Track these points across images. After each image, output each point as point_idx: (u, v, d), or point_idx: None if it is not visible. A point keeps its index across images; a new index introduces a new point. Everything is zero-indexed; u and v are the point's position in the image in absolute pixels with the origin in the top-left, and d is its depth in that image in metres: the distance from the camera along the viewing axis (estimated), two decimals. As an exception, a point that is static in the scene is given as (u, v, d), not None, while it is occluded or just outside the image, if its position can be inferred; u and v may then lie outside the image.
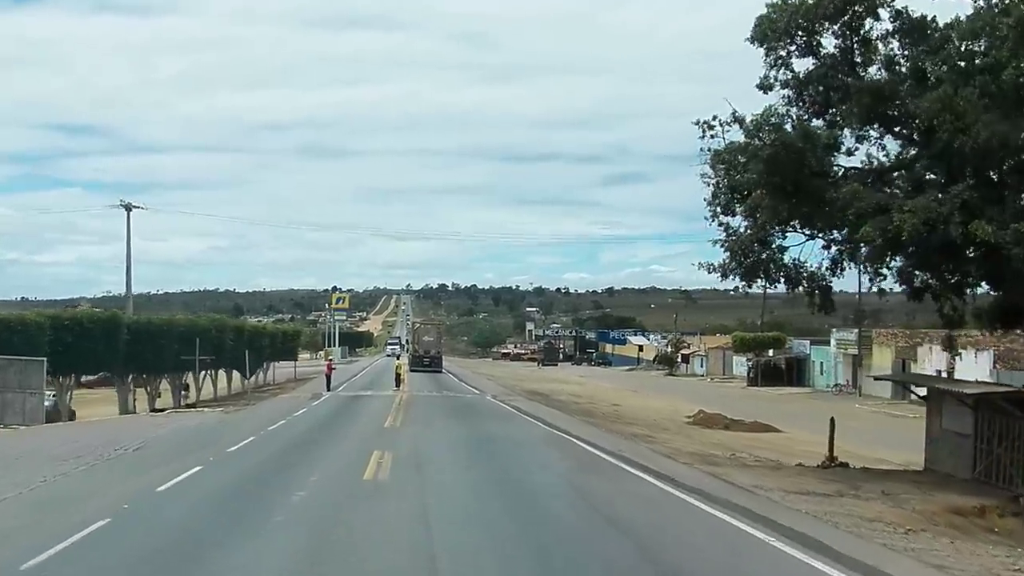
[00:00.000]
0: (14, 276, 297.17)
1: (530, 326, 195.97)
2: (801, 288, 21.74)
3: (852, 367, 63.26)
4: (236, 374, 57.66)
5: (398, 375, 46.43)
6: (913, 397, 55.03)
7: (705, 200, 22.47)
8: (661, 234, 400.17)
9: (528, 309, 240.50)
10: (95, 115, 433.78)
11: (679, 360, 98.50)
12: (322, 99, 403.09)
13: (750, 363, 74.48)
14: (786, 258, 21.77)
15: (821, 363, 69.63)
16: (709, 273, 22.03)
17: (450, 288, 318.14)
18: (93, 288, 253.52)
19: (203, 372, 47.97)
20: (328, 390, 44.42)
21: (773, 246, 21.82)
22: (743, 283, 21.86)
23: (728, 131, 21.58)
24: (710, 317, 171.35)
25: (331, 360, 49.28)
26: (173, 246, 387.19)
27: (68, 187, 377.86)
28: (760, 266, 21.58)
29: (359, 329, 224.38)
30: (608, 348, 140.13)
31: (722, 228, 22.36)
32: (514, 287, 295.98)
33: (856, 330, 62.49)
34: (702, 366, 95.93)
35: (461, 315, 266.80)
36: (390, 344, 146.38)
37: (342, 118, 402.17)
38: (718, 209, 22.42)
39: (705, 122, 21.46)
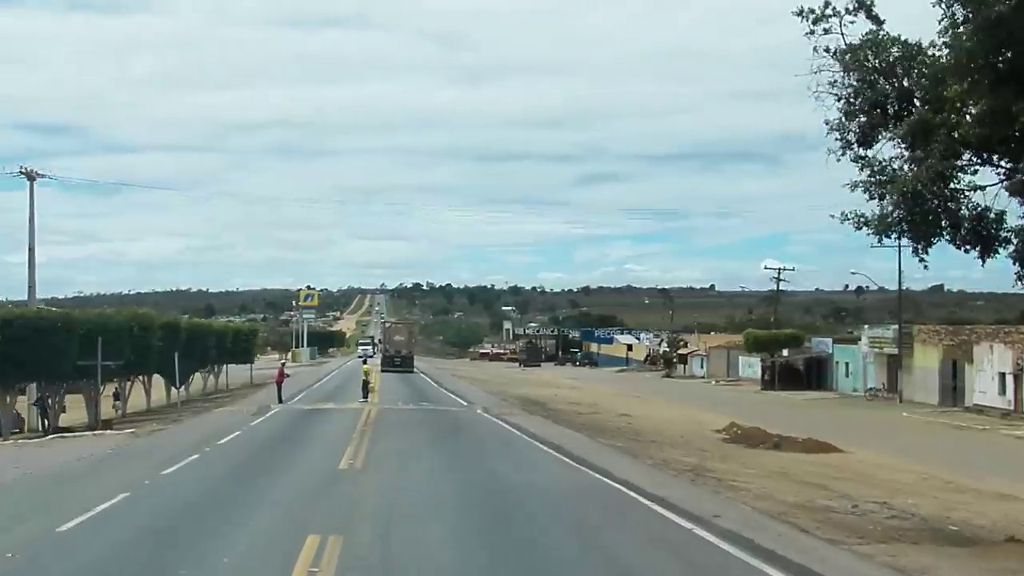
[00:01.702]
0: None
1: (507, 325, 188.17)
2: (1005, 252, 13.67)
3: (887, 368, 55.44)
4: (192, 381, 49.05)
5: (366, 383, 37.63)
6: (969, 404, 47.69)
7: (827, 124, 14.60)
8: (635, 233, 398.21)
9: (504, 308, 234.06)
10: (67, 115, 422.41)
11: (675, 360, 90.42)
12: (296, 99, 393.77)
13: (765, 364, 66.47)
14: (978, 200, 13.80)
15: (847, 364, 61.75)
16: (857, 229, 13.99)
17: (425, 287, 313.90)
18: (65, 288, 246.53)
19: (129, 380, 39.44)
20: (280, 401, 35.87)
21: (951, 187, 13.78)
22: (912, 241, 13.84)
23: (853, 22, 13.91)
24: (693, 315, 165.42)
25: (283, 364, 40.41)
26: (147, 246, 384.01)
27: (39, 187, 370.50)
28: (940, 216, 13.51)
29: (332, 329, 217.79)
30: (593, 347, 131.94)
31: (860, 164, 14.48)
32: (489, 286, 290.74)
33: (894, 326, 54.58)
34: (702, 367, 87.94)
35: (436, 314, 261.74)
36: (362, 344, 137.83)
37: (316, 118, 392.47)
38: (851, 136, 14.53)
39: (812, 11, 13.65)
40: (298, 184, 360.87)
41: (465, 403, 38.71)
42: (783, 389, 62.56)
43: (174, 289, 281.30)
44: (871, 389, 55.09)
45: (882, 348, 55.28)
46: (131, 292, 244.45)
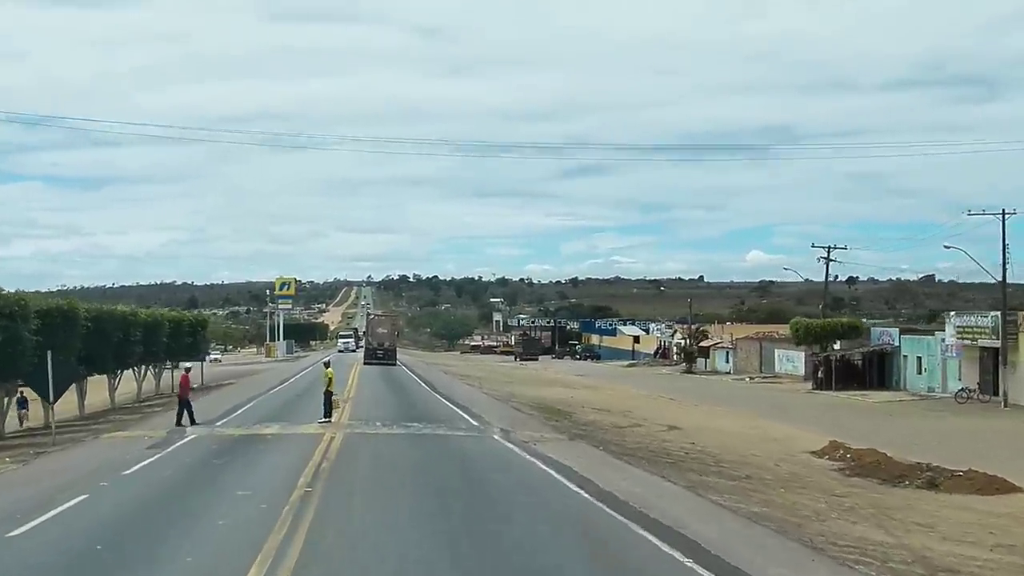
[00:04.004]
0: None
1: (497, 317, 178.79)
2: None
3: (981, 365, 45.10)
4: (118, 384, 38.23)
5: (328, 395, 25.93)
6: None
7: None
8: (622, 225, 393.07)
9: (492, 299, 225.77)
10: (53, 108, 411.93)
11: (695, 354, 79.98)
12: (282, 91, 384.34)
13: (816, 359, 56.04)
14: None
15: (919, 359, 51.42)
16: None
17: (411, 279, 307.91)
18: (49, 282, 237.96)
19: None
20: (191, 422, 24.68)
21: None
22: None
23: None
24: (685, 307, 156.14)
25: (188, 370, 28.49)
26: (133, 240, 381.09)
27: (27, 181, 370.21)
28: None
29: (317, 321, 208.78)
30: (594, 339, 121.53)
31: None
32: (476, 278, 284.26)
33: (993, 313, 44.16)
34: (727, 361, 77.60)
35: (423, 306, 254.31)
36: (342, 337, 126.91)
37: (303, 110, 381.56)
38: None
39: None
40: (285, 177, 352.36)
41: (473, 420, 27.57)
42: (840, 389, 52.27)
43: (159, 283, 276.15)
44: (963, 390, 44.64)
45: (975, 340, 44.86)
46: (115, 285, 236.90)
